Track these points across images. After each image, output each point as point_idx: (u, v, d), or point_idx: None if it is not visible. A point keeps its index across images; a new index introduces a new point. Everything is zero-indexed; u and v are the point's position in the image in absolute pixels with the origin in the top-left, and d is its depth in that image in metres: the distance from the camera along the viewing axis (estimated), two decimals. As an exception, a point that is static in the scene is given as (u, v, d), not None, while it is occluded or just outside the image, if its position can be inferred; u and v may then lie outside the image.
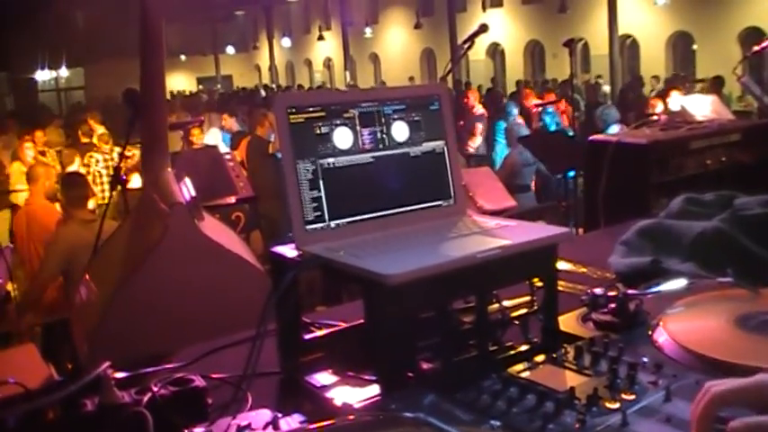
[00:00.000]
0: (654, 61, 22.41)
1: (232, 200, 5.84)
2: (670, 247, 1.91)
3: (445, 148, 1.55)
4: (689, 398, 1.01)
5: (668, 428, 1.00)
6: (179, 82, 37.68)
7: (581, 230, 4.46)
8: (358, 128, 1.45)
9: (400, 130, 1.50)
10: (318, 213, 1.39)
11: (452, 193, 1.55)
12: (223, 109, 15.40)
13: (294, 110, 1.39)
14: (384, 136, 1.48)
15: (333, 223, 1.40)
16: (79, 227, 5.31)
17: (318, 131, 1.41)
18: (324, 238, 1.38)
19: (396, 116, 1.50)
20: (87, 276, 2.89)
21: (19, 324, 5.38)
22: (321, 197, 1.39)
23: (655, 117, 5.24)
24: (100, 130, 11.22)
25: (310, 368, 1.42)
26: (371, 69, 35.59)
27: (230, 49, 42.36)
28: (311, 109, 1.41)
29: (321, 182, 1.39)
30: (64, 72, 38.44)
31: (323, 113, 1.42)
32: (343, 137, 1.43)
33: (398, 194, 1.48)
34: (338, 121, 1.43)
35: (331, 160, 1.41)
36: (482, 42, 24.59)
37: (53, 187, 6.87)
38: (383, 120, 1.48)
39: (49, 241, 5.52)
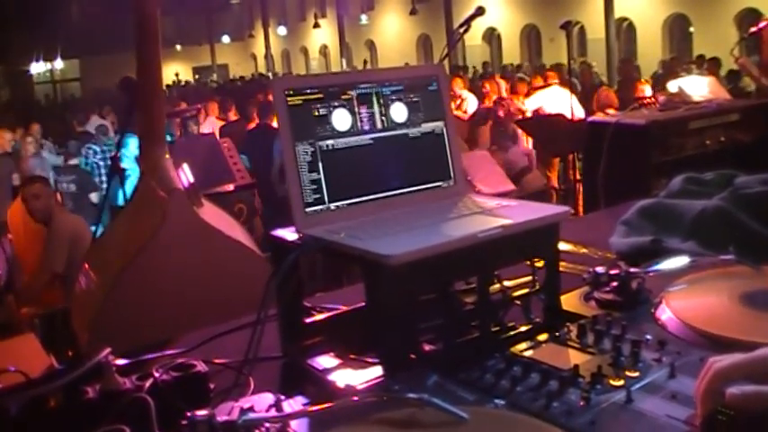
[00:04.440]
0: (650, 44, 22.34)
1: (230, 187, 5.82)
2: (671, 226, 1.90)
3: (444, 129, 1.54)
4: (693, 374, 1.00)
5: (673, 405, 0.99)
6: (175, 72, 37.54)
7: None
8: (356, 109, 1.44)
9: (399, 111, 1.49)
10: (318, 196, 1.38)
11: (452, 174, 1.54)
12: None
13: (292, 92, 1.38)
14: (383, 117, 1.47)
15: (333, 205, 1.39)
16: (73, 216, 5.32)
17: (317, 113, 1.40)
18: (324, 220, 1.37)
19: (394, 97, 1.49)
20: (87, 265, 2.88)
21: (18, 315, 5.38)
22: (320, 179, 1.38)
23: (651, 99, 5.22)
24: (98, 121, 11.19)
25: (312, 352, 1.41)
26: (368, 56, 35.47)
27: (226, 39, 42.27)
28: (309, 91, 1.40)
29: (320, 164, 1.38)
30: (59, 64, 38.31)
31: (321, 95, 1.41)
32: (341, 119, 1.42)
33: (398, 176, 1.47)
34: (336, 103, 1.42)
35: (330, 142, 1.40)
36: (478, 27, 24.54)
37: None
38: (381, 101, 1.47)
39: (53, 230, 5.53)
